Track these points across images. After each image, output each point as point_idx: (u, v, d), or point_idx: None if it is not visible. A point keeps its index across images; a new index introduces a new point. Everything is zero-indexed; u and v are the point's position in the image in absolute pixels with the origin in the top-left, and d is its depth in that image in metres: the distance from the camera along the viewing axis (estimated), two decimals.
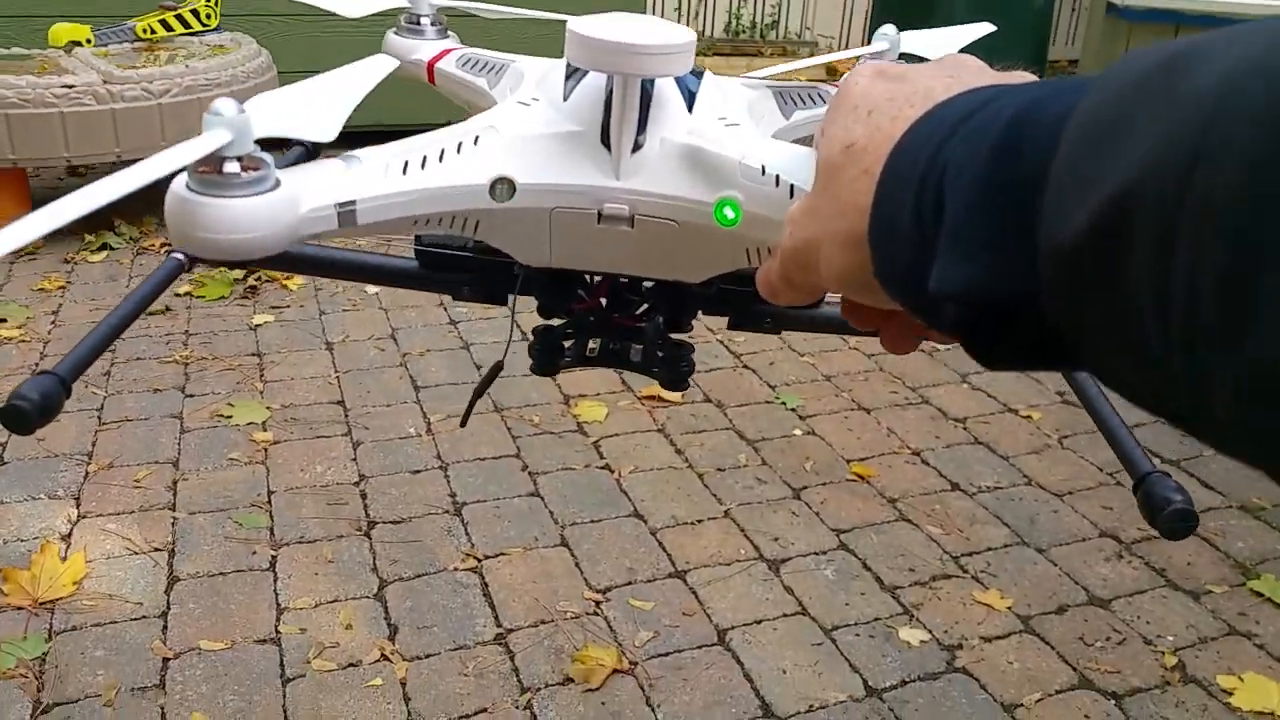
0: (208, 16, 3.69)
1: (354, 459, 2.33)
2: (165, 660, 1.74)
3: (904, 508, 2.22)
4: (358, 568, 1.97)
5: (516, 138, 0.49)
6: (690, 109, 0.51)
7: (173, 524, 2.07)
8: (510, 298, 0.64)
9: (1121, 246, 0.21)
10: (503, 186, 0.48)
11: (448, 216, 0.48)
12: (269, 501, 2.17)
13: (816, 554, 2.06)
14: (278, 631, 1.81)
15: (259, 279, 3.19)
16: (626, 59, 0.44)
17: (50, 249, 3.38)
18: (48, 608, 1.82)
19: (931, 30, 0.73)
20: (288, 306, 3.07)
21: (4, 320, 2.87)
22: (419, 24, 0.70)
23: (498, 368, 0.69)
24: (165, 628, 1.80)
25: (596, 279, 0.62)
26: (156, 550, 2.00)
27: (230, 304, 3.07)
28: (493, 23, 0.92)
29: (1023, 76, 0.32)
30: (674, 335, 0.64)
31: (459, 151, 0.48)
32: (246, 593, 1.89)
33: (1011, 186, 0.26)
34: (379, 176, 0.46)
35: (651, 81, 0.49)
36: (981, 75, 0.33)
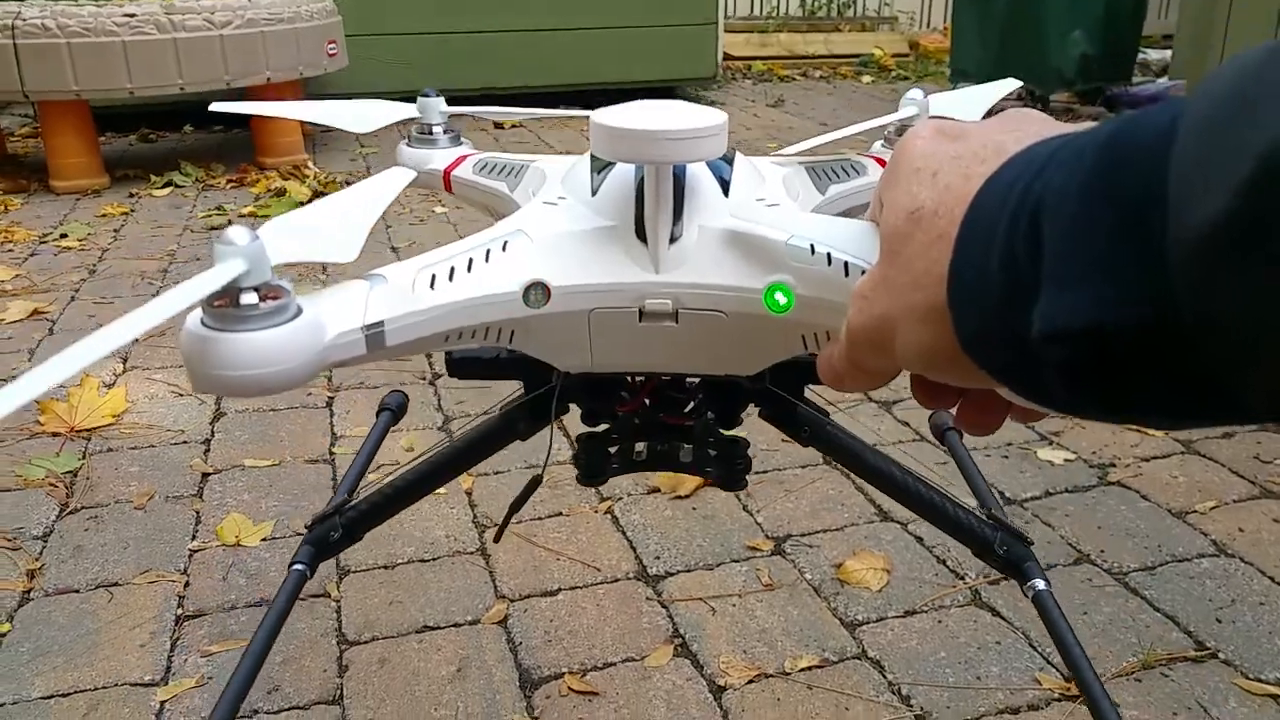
0: None
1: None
2: (204, 475, 1.56)
3: None
4: (421, 406, 1.78)
5: (547, 239, 0.46)
6: (726, 193, 0.48)
7: None
8: (551, 407, 0.59)
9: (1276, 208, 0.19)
10: (537, 292, 0.45)
11: (481, 328, 0.46)
12: None
13: None
14: (331, 453, 1.63)
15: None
16: (657, 146, 0.42)
17: (115, 188, 3.33)
18: (84, 435, 1.67)
19: (958, 91, 0.71)
20: None
21: (65, 236, 2.79)
22: (431, 133, 0.68)
23: (536, 481, 0.64)
24: (207, 451, 1.63)
25: (640, 378, 0.58)
26: (170, 322, 1.83)
27: None
28: None
29: (1090, 126, 0.28)
30: (726, 432, 0.60)
31: (488, 260, 0.45)
32: (300, 424, 1.72)
33: (1120, 200, 0.23)
34: (406, 294, 0.43)
35: (684, 168, 0.47)
36: (1047, 126, 0.30)
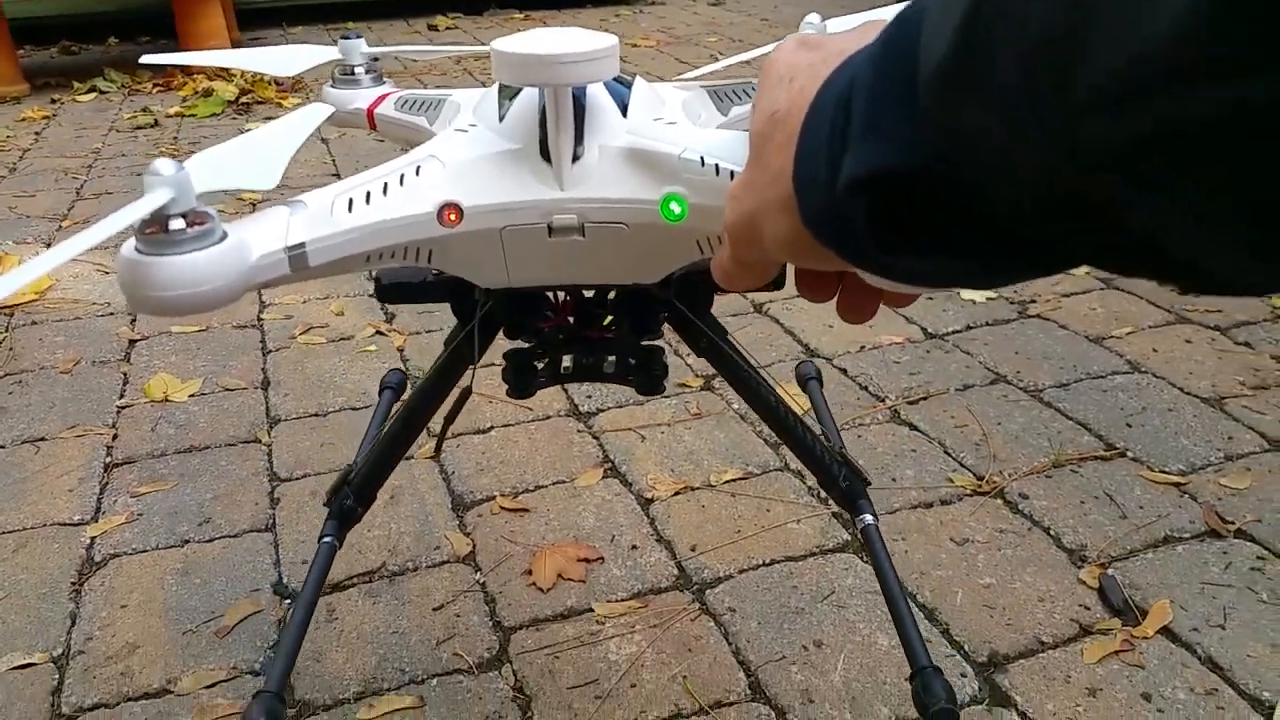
0: None
1: None
2: (131, 341, 1.55)
3: None
4: (352, 276, 1.77)
5: (458, 163, 0.49)
6: (625, 114, 0.51)
7: None
8: (474, 322, 0.62)
9: (982, 41, 0.21)
10: (449, 212, 0.48)
11: (399, 249, 0.48)
12: None
13: None
14: (260, 319, 1.61)
15: (253, 99, 3.01)
16: (552, 70, 0.45)
17: (36, 95, 3.22)
18: (6, 311, 1.64)
19: (856, 16, 0.74)
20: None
21: None
22: (353, 74, 0.70)
23: (466, 393, 0.66)
24: (134, 321, 1.61)
25: (561, 297, 0.62)
26: (100, 245, 1.81)
27: (222, 119, 2.89)
28: None
29: None
30: (645, 342, 0.64)
31: (402, 183, 0.48)
32: None
33: (896, 60, 0.26)
34: (325, 217, 0.45)
35: (583, 90, 0.50)
36: None
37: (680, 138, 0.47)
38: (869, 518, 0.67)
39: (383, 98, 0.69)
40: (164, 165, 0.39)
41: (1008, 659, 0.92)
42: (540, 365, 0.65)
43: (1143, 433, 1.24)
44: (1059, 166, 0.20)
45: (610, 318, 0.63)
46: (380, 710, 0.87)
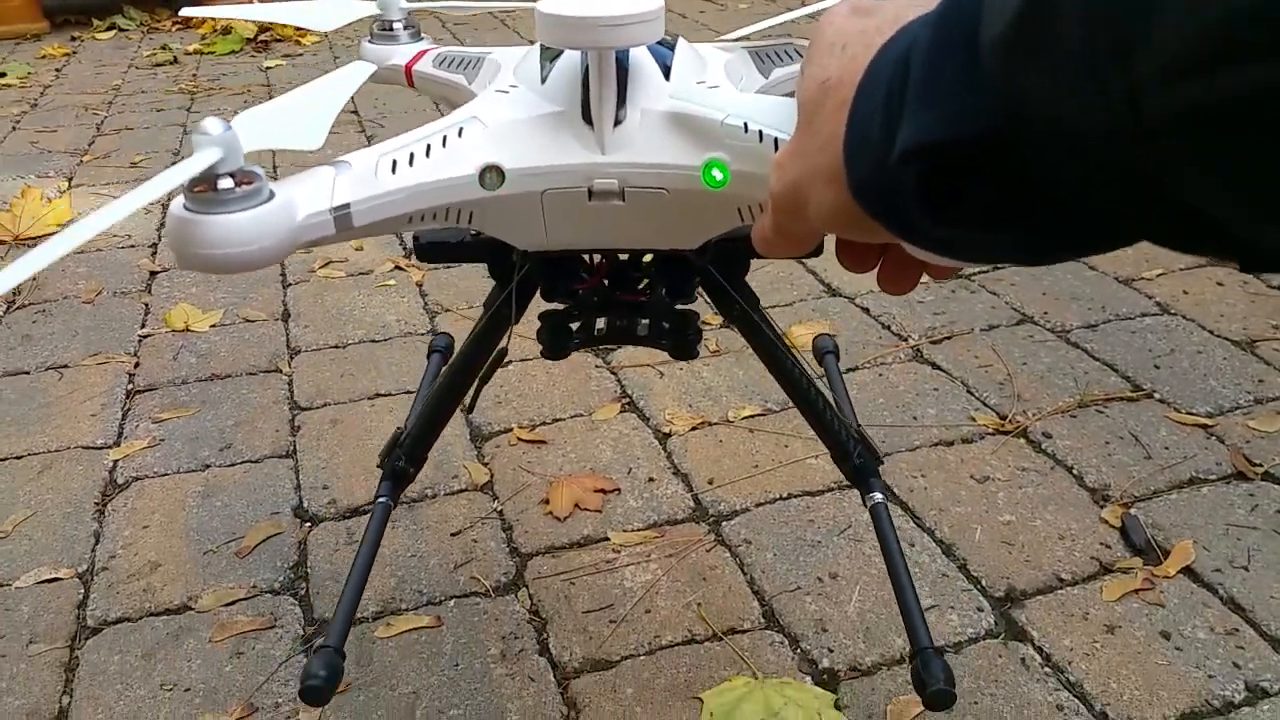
0: None
1: (367, 144, 2.12)
2: (152, 273, 1.55)
3: None
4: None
5: (499, 125, 0.49)
6: (667, 77, 0.50)
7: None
8: (512, 282, 0.62)
9: (1049, 5, 0.21)
10: (491, 174, 0.48)
11: (441, 210, 0.48)
12: (274, 172, 1.97)
13: None
14: None
15: (271, 36, 2.99)
16: (596, 32, 0.44)
17: (56, 33, 3.21)
18: (28, 243, 1.65)
19: None
20: (300, 55, 2.87)
21: (3, 75, 2.70)
22: (391, 29, 0.70)
23: (501, 354, 0.66)
24: (155, 254, 1.62)
25: (597, 259, 0.61)
26: (150, 204, 1.81)
27: (241, 56, 2.87)
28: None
29: None
30: (679, 306, 0.63)
31: (444, 145, 0.48)
32: None
33: (956, 27, 0.25)
34: (369, 178, 0.46)
35: (626, 53, 0.49)
36: None
37: (723, 103, 0.47)
38: (878, 495, 0.67)
39: (421, 54, 0.69)
40: (212, 124, 0.40)
41: (1025, 595, 0.91)
42: (574, 327, 0.65)
43: (1171, 374, 1.22)
44: (1120, 134, 0.20)
45: (645, 281, 0.63)
46: (398, 629, 0.87)
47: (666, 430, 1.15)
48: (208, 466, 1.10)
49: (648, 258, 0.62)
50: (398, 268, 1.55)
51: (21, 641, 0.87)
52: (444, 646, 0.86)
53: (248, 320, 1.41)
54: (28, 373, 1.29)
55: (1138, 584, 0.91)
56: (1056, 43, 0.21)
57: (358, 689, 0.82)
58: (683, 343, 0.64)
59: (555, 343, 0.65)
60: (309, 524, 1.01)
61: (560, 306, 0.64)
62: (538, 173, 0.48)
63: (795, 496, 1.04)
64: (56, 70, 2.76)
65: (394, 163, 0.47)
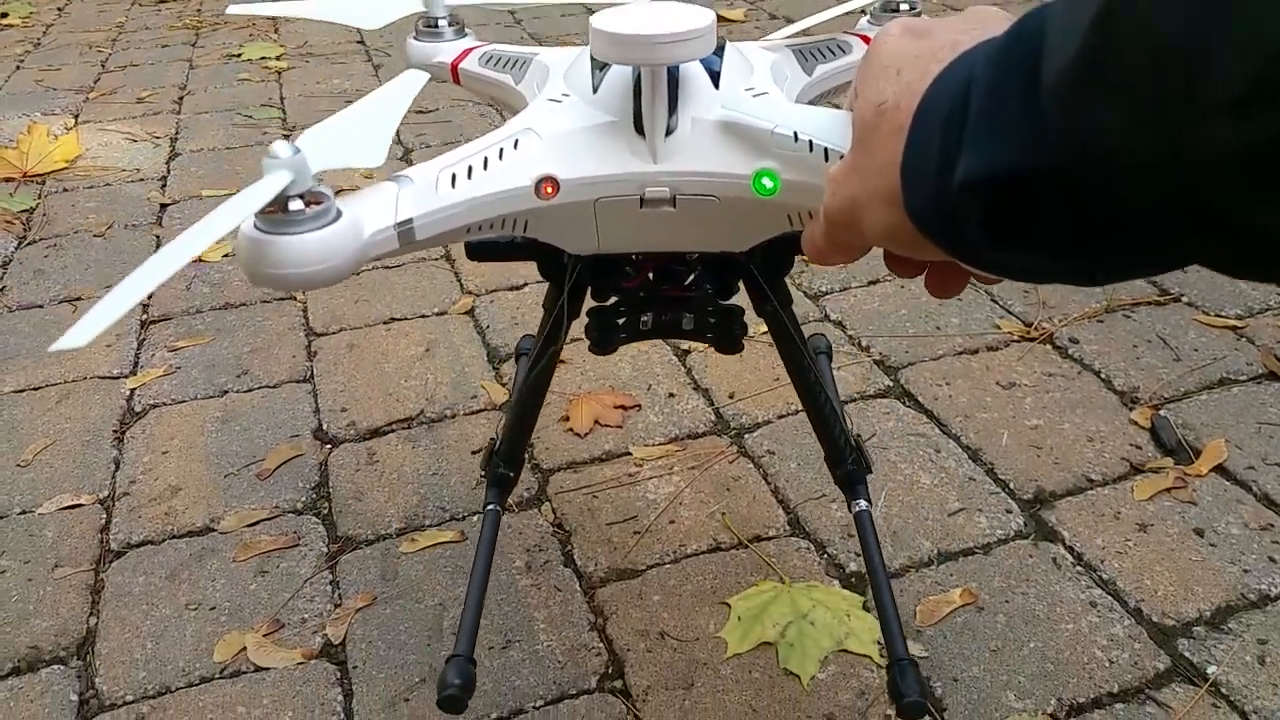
0: None
1: (374, 75, 2.09)
2: (163, 206, 1.53)
3: None
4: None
5: (554, 135, 0.50)
6: (716, 85, 0.51)
7: (177, 122, 1.86)
8: (565, 286, 0.62)
9: (1111, 40, 0.22)
10: (547, 185, 0.49)
11: (498, 220, 0.49)
12: (282, 103, 1.94)
13: None
14: None
15: None
16: (651, 50, 0.45)
17: None
18: (38, 179, 1.63)
19: None
20: None
21: (5, 15, 2.66)
22: (436, 26, 0.70)
23: (555, 353, 0.67)
24: (164, 186, 1.60)
25: (641, 256, 0.62)
26: (158, 138, 1.79)
27: None
28: None
29: None
30: (724, 301, 0.64)
31: (501, 158, 0.49)
32: (256, 159, 1.68)
33: (1017, 61, 0.26)
34: (430, 193, 0.47)
35: (677, 66, 0.50)
36: (1004, 23, 0.31)
37: (773, 112, 0.48)
38: (864, 503, 0.68)
39: (467, 52, 0.69)
40: (281, 148, 0.40)
41: (1055, 496, 0.90)
42: (621, 322, 0.66)
43: (1199, 278, 1.19)
44: (1189, 165, 0.21)
45: (691, 276, 0.64)
46: (422, 544, 0.87)
47: (685, 347, 1.13)
48: (225, 393, 1.10)
49: (694, 254, 0.63)
50: None
51: (47, 565, 0.88)
52: (469, 560, 0.86)
53: None
54: (41, 306, 1.28)
55: (1169, 483, 0.90)
56: (1121, 78, 0.21)
57: (384, 602, 0.82)
58: (729, 338, 0.65)
59: (603, 338, 0.66)
60: (329, 445, 1.01)
61: (608, 303, 0.65)
62: (591, 182, 0.50)
63: None
64: (59, 9, 2.72)
65: (453, 176, 0.48)
